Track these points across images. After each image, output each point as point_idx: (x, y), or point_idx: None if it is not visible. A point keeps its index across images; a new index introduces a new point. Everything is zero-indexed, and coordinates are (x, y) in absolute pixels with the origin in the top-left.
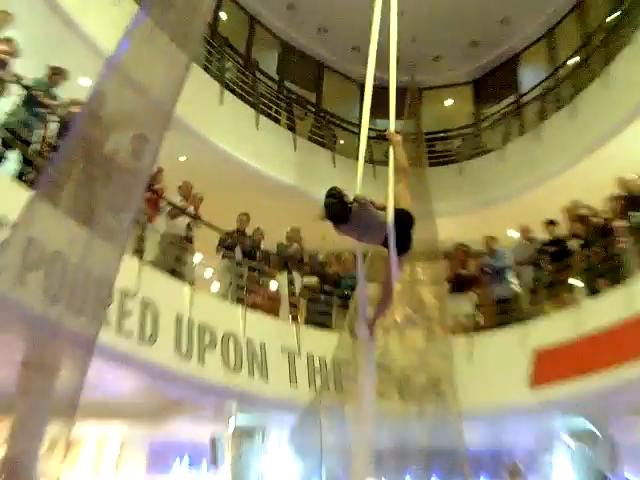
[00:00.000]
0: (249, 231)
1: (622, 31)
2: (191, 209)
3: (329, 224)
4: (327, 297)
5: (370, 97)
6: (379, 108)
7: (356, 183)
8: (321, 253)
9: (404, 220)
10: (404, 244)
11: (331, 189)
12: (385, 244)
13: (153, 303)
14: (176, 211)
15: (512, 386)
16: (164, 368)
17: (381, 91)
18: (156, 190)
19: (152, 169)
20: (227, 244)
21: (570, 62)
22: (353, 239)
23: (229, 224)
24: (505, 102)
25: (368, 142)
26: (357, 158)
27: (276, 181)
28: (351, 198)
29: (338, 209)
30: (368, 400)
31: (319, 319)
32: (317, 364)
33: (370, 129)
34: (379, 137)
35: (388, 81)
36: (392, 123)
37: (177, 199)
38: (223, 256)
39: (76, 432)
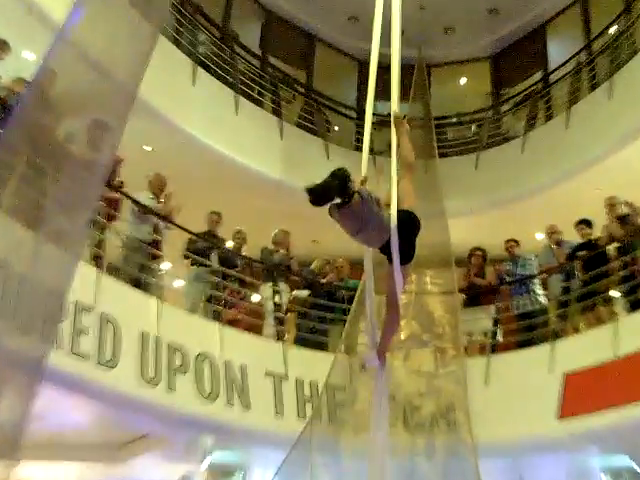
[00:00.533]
0: (226, 233)
1: None
2: (163, 207)
3: (319, 217)
4: (320, 311)
5: (375, 74)
6: (381, 89)
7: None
8: (313, 259)
9: (408, 224)
10: (406, 252)
11: (340, 169)
12: (383, 250)
13: (113, 319)
14: (143, 211)
15: (538, 416)
16: (126, 396)
17: (383, 69)
18: (117, 186)
19: (112, 161)
20: (200, 249)
21: (608, 32)
22: (352, 237)
23: (204, 226)
24: (529, 81)
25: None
26: (354, 148)
27: (259, 175)
28: (355, 188)
29: (334, 191)
30: (380, 439)
31: (310, 338)
32: (307, 391)
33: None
34: (381, 123)
35: (391, 57)
36: (394, 103)
37: (145, 195)
38: (193, 263)
39: (20, 474)
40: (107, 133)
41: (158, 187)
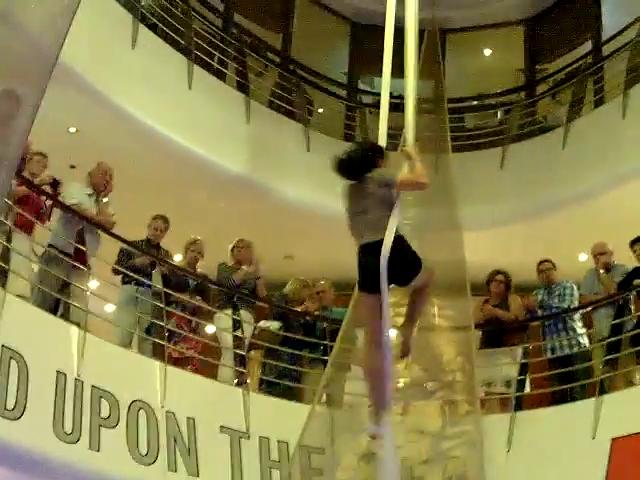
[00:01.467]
0: (174, 244)
1: None
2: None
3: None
4: (293, 349)
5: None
6: (378, 62)
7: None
8: (285, 281)
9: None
10: (404, 273)
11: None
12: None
13: (19, 354)
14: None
15: None
16: (36, 455)
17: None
18: (28, 178)
19: (25, 143)
20: (138, 264)
21: None
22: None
23: (144, 233)
24: (576, 54)
25: (361, 112)
26: (343, 137)
27: (219, 169)
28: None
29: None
30: None
31: (280, 383)
32: (275, 453)
33: (361, 91)
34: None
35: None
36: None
37: (78, 190)
38: (127, 281)
39: None
40: (19, 107)
41: (102, 180)
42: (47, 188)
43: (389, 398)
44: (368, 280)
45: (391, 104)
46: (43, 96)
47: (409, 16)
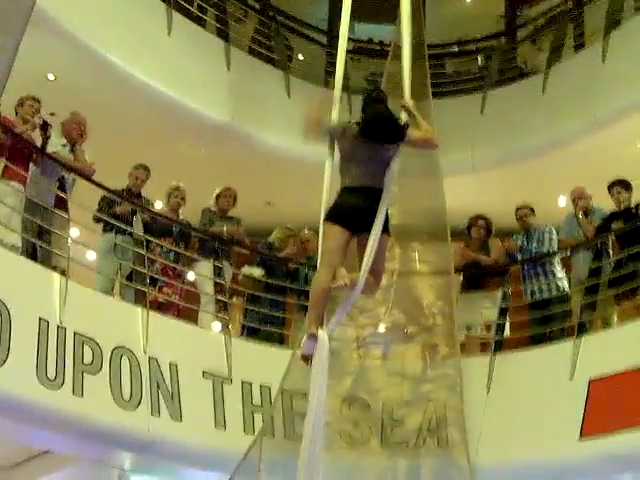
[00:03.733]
0: (155, 192)
1: None
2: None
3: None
4: (276, 295)
5: None
6: (357, 7)
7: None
8: (265, 228)
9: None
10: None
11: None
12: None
13: (3, 302)
14: (49, 160)
15: (554, 434)
16: (19, 402)
17: None
18: (10, 126)
19: (2, 90)
20: (116, 209)
21: None
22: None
23: (125, 182)
24: None
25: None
26: (323, 83)
27: (200, 115)
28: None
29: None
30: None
31: (262, 328)
32: (257, 397)
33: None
34: (360, 51)
35: None
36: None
37: (56, 142)
38: (108, 229)
39: None
40: None
41: (75, 131)
42: (37, 131)
43: (337, 320)
44: (351, 218)
45: (370, 50)
46: (20, 41)
47: None
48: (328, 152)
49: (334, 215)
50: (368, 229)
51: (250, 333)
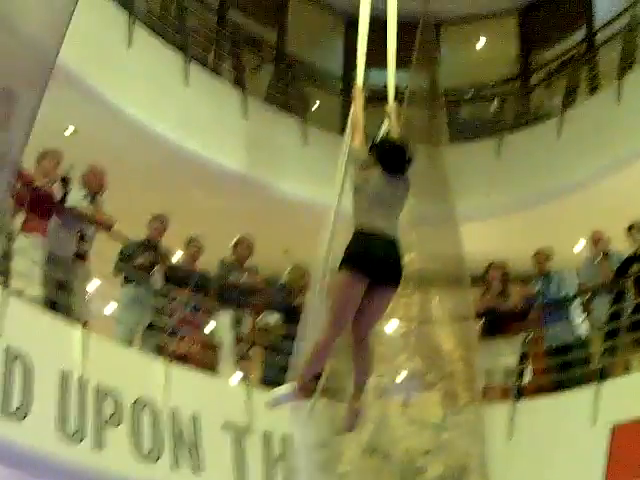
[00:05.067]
0: (173, 242)
1: None
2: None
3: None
4: (294, 343)
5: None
6: (371, 53)
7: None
8: (284, 274)
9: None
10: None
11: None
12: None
13: (24, 354)
14: (70, 213)
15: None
16: (41, 456)
17: (379, 25)
18: (30, 180)
19: (24, 144)
20: (138, 263)
21: None
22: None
23: (144, 233)
24: (569, 42)
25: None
26: (340, 130)
27: (217, 164)
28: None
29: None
30: None
31: (282, 378)
32: (278, 448)
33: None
34: (373, 97)
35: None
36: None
37: (77, 195)
38: (128, 280)
39: None
40: (17, 108)
41: (95, 183)
42: (57, 186)
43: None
44: (378, 266)
45: (379, 95)
46: (42, 97)
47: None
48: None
49: (357, 260)
50: (391, 281)
51: (270, 382)
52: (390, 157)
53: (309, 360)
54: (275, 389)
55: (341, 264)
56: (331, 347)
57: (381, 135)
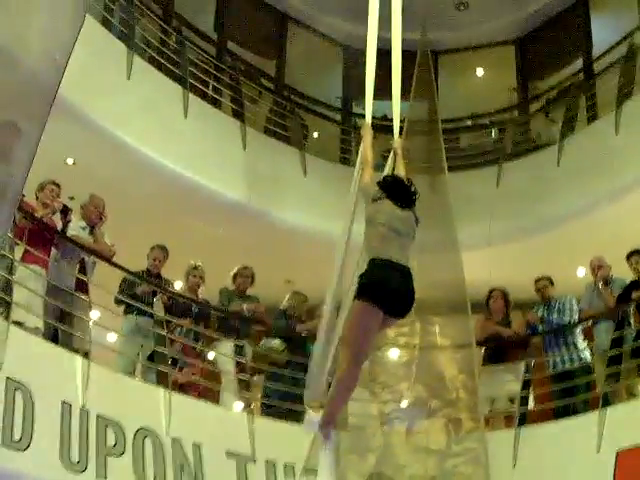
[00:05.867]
0: (173, 272)
1: None
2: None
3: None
4: (296, 371)
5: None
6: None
7: (337, 196)
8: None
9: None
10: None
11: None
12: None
13: (25, 385)
14: (70, 244)
15: None
16: None
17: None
18: (30, 211)
19: (26, 177)
20: (137, 291)
21: None
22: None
23: (144, 262)
24: (567, 71)
25: (356, 135)
26: (339, 160)
27: (217, 195)
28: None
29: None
30: None
31: (285, 406)
32: (281, 476)
33: (356, 115)
34: (373, 128)
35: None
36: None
37: (77, 225)
38: (129, 310)
39: None
40: (19, 140)
41: (95, 214)
42: (58, 216)
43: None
44: (394, 299)
45: (385, 127)
46: (44, 129)
47: (395, 33)
48: (349, 222)
49: (375, 291)
50: (405, 313)
51: (271, 409)
52: (399, 192)
53: (334, 395)
54: (309, 414)
55: (358, 294)
56: (356, 379)
57: (387, 170)
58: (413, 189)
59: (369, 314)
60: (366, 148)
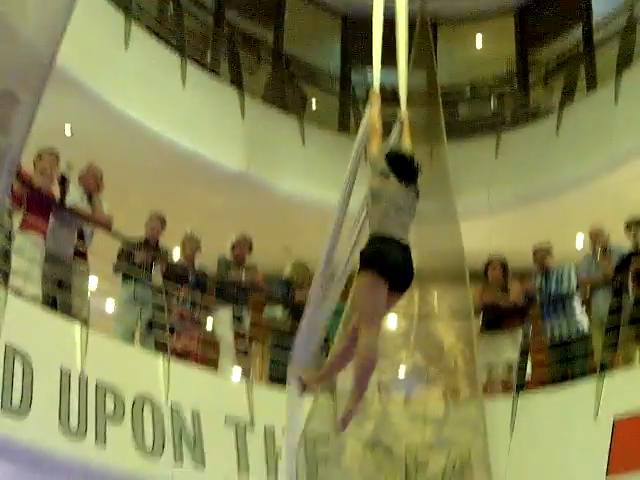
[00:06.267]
0: (172, 240)
1: None
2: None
3: None
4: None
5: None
6: (367, 54)
7: (335, 165)
8: (286, 270)
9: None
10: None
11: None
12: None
13: (23, 352)
14: (68, 213)
15: (580, 473)
16: (43, 452)
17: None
18: (28, 179)
19: (24, 146)
20: (135, 260)
21: None
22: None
23: (142, 231)
24: (566, 41)
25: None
26: (337, 129)
27: (215, 164)
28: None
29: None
30: None
31: (283, 373)
32: (280, 442)
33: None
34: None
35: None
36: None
37: (75, 194)
38: (127, 278)
39: None
40: (17, 109)
41: (93, 183)
42: (56, 185)
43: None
44: (399, 274)
45: (384, 95)
46: (41, 98)
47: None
48: (343, 197)
49: (379, 264)
50: (405, 287)
51: (272, 378)
52: (404, 167)
53: (332, 361)
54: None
55: (361, 267)
56: (377, 347)
57: (392, 142)
58: (416, 164)
59: (377, 286)
60: (374, 117)
